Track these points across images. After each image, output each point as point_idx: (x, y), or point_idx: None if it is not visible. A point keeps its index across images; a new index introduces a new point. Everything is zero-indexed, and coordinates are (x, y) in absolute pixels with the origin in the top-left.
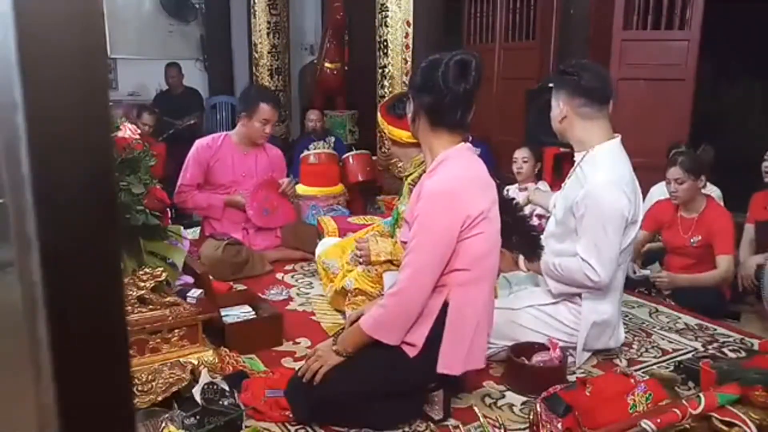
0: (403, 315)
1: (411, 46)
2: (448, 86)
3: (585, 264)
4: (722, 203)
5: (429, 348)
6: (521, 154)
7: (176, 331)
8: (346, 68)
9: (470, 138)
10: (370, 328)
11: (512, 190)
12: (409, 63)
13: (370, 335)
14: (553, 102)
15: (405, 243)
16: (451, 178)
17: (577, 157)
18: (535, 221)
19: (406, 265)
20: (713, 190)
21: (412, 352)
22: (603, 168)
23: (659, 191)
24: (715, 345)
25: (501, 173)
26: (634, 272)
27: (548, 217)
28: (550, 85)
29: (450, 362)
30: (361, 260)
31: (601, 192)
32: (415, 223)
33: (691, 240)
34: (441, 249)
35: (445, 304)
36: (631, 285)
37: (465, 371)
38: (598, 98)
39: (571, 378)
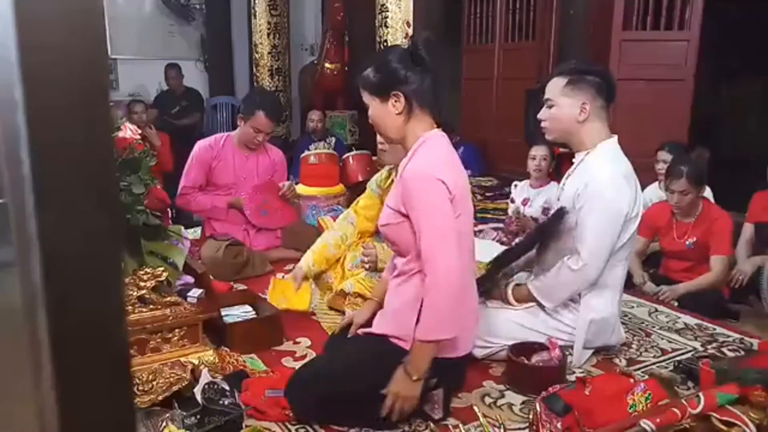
0: (452, 301)
1: None
2: (426, 66)
3: (572, 257)
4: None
5: None
6: (540, 153)
7: (177, 330)
8: (346, 69)
9: (457, 139)
10: (429, 334)
11: (520, 186)
12: None
13: (434, 340)
14: (568, 101)
15: (384, 226)
16: (431, 160)
17: (578, 156)
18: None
19: (428, 255)
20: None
21: (407, 345)
22: (606, 164)
23: (653, 192)
24: (714, 345)
25: (498, 172)
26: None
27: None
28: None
29: (424, 329)
30: (367, 266)
31: (604, 187)
32: (411, 212)
33: (687, 243)
34: (448, 220)
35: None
36: (629, 286)
37: (452, 358)
38: (612, 99)
39: (571, 378)
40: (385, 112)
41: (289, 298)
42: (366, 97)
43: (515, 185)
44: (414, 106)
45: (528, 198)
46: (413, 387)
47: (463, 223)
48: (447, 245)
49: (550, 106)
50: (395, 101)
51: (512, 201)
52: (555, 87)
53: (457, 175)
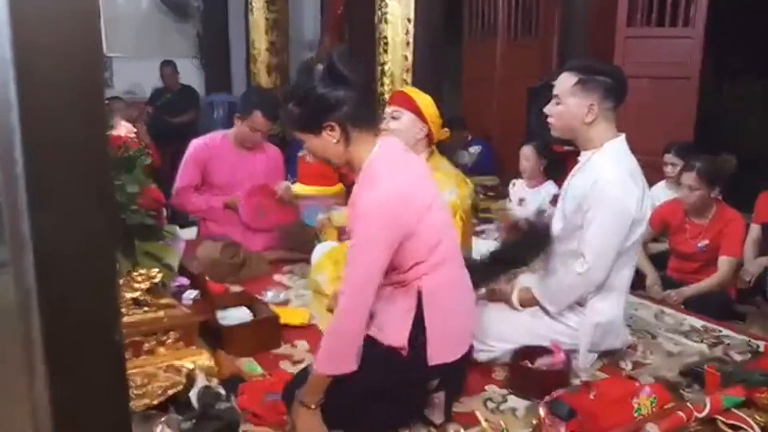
0: (349, 339)
1: (411, 43)
2: (350, 82)
3: (577, 260)
4: None
5: (423, 344)
6: (524, 152)
7: (172, 333)
8: None
9: (469, 137)
10: (323, 368)
11: (518, 184)
12: (410, 60)
13: (328, 374)
14: (578, 100)
15: None
16: (387, 190)
17: (584, 155)
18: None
19: (345, 289)
20: None
21: (404, 352)
22: (614, 164)
23: (661, 191)
24: (720, 347)
25: (503, 171)
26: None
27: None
28: (554, 82)
29: (439, 351)
30: None
31: (610, 185)
32: (352, 243)
33: (699, 245)
34: (377, 267)
35: (419, 297)
36: (635, 287)
37: (457, 359)
38: (622, 100)
39: (575, 381)
40: (324, 145)
41: (287, 315)
42: (298, 135)
43: (513, 184)
44: (350, 130)
45: (524, 198)
46: (314, 416)
47: (431, 230)
48: (364, 290)
49: (558, 103)
50: (330, 131)
51: (510, 200)
52: (564, 84)
53: (416, 189)
